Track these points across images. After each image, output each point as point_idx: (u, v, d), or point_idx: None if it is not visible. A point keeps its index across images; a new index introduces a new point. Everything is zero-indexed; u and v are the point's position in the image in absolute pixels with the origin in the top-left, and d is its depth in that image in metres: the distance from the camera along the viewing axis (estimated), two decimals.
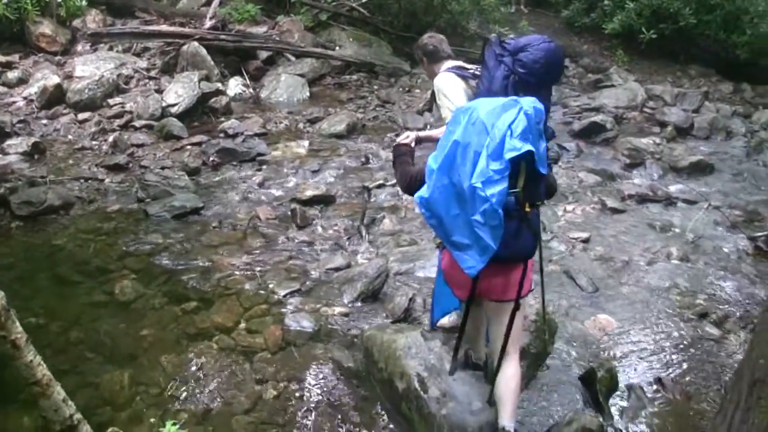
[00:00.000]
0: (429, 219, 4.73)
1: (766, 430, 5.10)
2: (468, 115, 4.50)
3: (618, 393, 6.21)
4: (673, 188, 11.63)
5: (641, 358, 6.81)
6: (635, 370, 6.63)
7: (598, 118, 14.71)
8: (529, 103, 4.47)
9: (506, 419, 5.07)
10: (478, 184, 4.25)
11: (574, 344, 6.85)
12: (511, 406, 5.10)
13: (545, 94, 5.29)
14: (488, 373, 5.48)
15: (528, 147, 4.30)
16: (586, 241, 9.29)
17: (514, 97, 4.58)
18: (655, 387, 6.41)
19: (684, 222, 10.10)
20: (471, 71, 6.00)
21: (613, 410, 6.01)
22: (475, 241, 4.41)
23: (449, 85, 5.94)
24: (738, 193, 11.79)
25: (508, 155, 4.26)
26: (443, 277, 5.38)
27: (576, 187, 11.42)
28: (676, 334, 7.23)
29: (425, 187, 4.69)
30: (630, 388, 6.31)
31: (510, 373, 5.09)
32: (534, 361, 6.30)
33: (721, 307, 7.85)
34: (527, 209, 4.66)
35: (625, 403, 6.15)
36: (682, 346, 7.05)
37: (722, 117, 16.32)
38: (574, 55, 21.76)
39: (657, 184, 11.71)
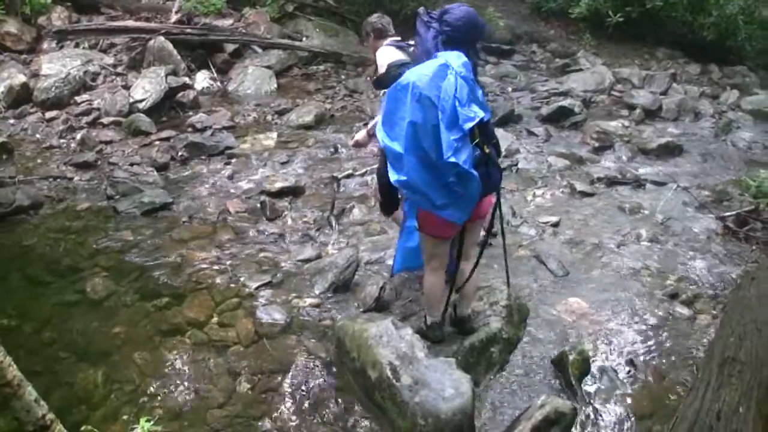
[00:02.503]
0: (412, 195, 5.45)
1: (736, 408, 5.16)
2: (409, 92, 5.04)
3: (590, 375, 6.25)
4: (642, 170, 11.71)
5: (613, 340, 6.84)
6: (607, 352, 6.66)
7: (566, 102, 14.75)
8: (456, 60, 5.15)
9: (468, 309, 6.36)
10: (451, 158, 4.90)
11: (546, 328, 6.90)
12: (472, 299, 6.41)
13: (472, 52, 5.89)
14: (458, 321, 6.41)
15: (480, 114, 5.06)
16: (555, 225, 9.32)
17: (442, 61, 5.17)
18: (627, 368, 6.45)
19: (653, 204, 10.17)
20: (408, 44, 6.68)
21: (586, 393, 6.04)
22: (456, 199, 5.19)
23: (388, 57, 6.61)
24: (707, 174, 11.90)
25: (467, 125, 4.99)
26: (423, 229, 5.86)
27: (545, 171, 11.46)
28: (647, 315, 7.27)
29: (397, 171, 5.26)
30: (602, 370, 6.35)
31: (468, 268, 6.04)
32: (505, 345, 6.35)
33: (691, 287, 7.91)
34: (487, 151, 5.30)
35: (597, 386, 6.19)
36: (653, 327, 7.09)
37: (690, 98, 16.44)
38: (542, 41, 21.81)
39: (626, 167, 11.79)
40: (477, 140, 5.18)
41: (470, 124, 4.98)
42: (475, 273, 6.10)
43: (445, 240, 5.87)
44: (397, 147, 5.18)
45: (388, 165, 5.42)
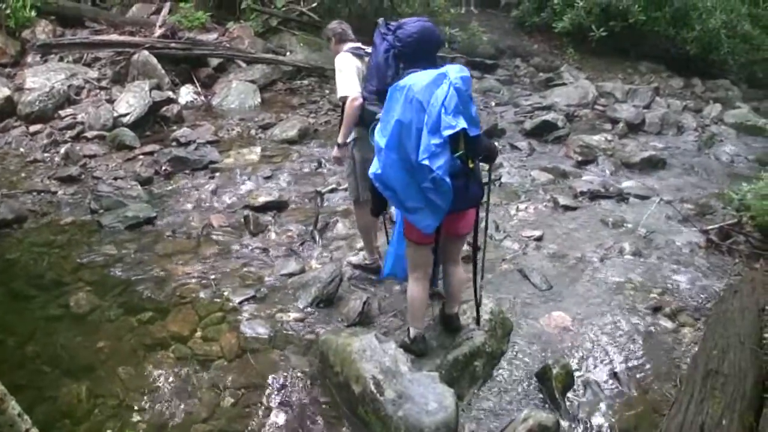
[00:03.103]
0: (384, 191, 5.52)
1: (720, 420, 5.18)
2: (404, 94, 5.25)
3: (574, 389, 6.24)
4: (626, 184, 11.75)
5: (596, 354, 6.84)
6: (591, 365, 6.66)
7: (549, 116, 14.90)
8: (457, 73, 5.23)
9: (455, 308, 6.49)
10: (426, 161, 5.05)
11: (529, 342, 6.90)
12: (459, 299, 6.51)
13: (427, 63, 5.97)
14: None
15: (462, 124, 5.09)
16: (539, 239, 9.33)
17: (443, 71, 5.30)
18: (610, 382, 6.44)
19: (636, 217, 10.19)
20: (366, 51, 7.14)
21: (569, 406, 6.03)
22: (428, 204, 5.30)
23: (343, 65, 7.08)
24: (690, 187, 11.97)
25: (446, 132, 5.06)
26: (405, 234, 6.04)
27: (528, 185, 11.51)
28: (630, 328, 7.27)
29: (376, 163, 5.48)
30: (586, 383, 6.34)
31: (461, 274, 6.35)
32: (489, 359, 6.35)
33: (674, 300, 7.91)
34: (471, 165, 5.46)
35: (581, 399, 6.17)
36: (637, 340, 7.10)
37: (673, 112, 16.61)
38: (525, 55, 21.97)
39: (609, 181, 11.84)
40: (460, 152, 5.28)
41: (449, 132, 5.07)
42: (461, 271, 6.34)
43: (424, 246, 5.92)
44: (382, 142, 5.36)
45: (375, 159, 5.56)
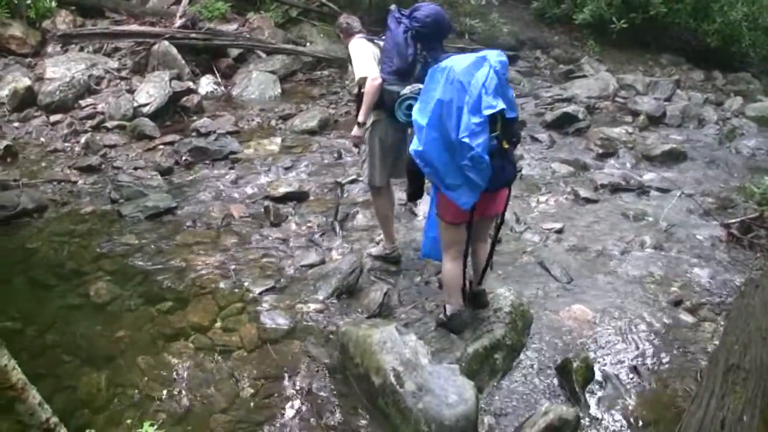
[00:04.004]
0: (424, 168, 5.74)
1: (741, 416, 5.14)
2: (445, 75, 5.45)
3: (594, 382, 6.22)
4: (646, 177, 11.70)
5: (617, 348, 6.82)
6: (611, 359, 6.63)
7: (570, 108, 14.82)
8: (495, 58, 5.47)
9: (483, 284, 6.66)
10: (466, 139, 5.25)
11: (550, 335, 6.87)
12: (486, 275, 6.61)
13: (438, 46, 7.05)
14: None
15: (501, 105, 5.33)
16: (559, 231, 9.30)
17: (482, 54, 5.54)
18: (631, 376, 6.42)
19: (657, 210, 10.14)
20: (376, 38, 7.51)
21: (590, 400, 6.02)
22: (466, 181, 5.48)
23: (359, 49, 7.34)
24: (711, 181, 11.89)
25: (486, 112, 5.27)
26: (439, 214, 6.17)
27: (549, 177, 11.47)
28: (651, 322, 7.24)
29: (416, 141, 5.70)
30: (606, 377, 6.33)
31: (487, 249, 6.48)
32: (509, 352, 6.34)
33: (695, 294, 7.88)
34: (506, 146, 5.67)
35: (601, 393, 6.16)
36: (657, 334, 7.06)
37: (694, 105, 16.48)
38: (545, 47, 21.87)
39: (630, 173, 11.77)
40: (497, 133, 5.51)
41: (490, 112, 5.28)
42: (488, 248, 6.51)
43: (458, 225, 6.00)
44: (423, 121, 5.58)
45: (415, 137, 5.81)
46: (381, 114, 7.21)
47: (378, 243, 8.41)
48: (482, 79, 5.31)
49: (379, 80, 6.96)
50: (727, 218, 9.84)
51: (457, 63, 5.48)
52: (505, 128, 5.56)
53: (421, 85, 6.02)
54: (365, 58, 7.22)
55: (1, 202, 9.18)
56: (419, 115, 5.66)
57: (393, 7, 7.17)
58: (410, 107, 6.46)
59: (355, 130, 7.45)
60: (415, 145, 5.70)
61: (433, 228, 6.63)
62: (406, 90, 6.70)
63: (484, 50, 5.68)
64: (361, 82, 7.11)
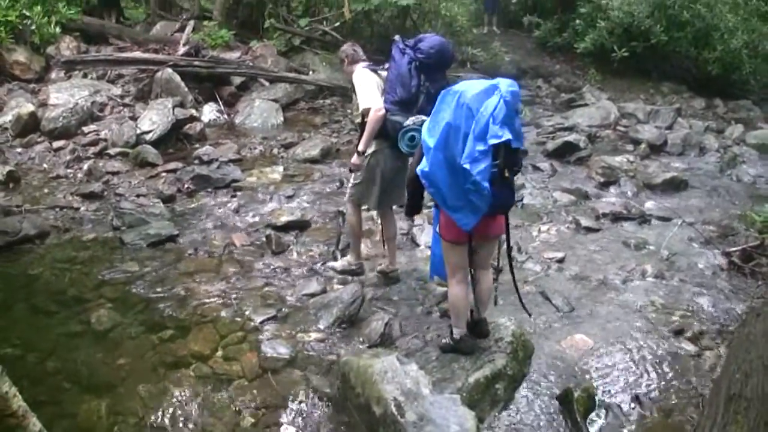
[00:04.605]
0: (429, 188, 5.86)
1: None
2: (456, 98, 5.55)
3: (595, 412, 6.20)
4: (648, 205, 11.72)
5: (618, 377, 6.80)
6: (612, 388, 6.61)
7: (571, 137, 14.88)
8: (507, 87, 5.49)
9: (484, 313, 6.56)
10: (466, 165, 5.36)
11: (551, 364, 6.86)
12: (488, 304, 6.56)
13: (440, 77, 7.21)
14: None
15: (507, 135, 5.35)
16: (561, 260, 9.30)
17: (494, 82, 5.58)
18: (632, 405, 6.40)
19: (658, 239, 10.15)
20: (379, 68, 7.65)
21: (591, 430, 6.01)
22: (467, 203, 5.58)
23: (362, 79, 7.51)
24: (712, 209, 11.89)
25: (491, 141, 5.33)
26: (439, 231, 6.33)
27: (550, 207, 11.50)
28: (652, 351, 7.23)
29: (424, 161, 5.78)
30: (607, 406, 6.31)
31: (491, 281, 6.45)
32: (510, 382, 6.33)
33: (697, 323, 7.86)
34: (506, 175, 5.62)
35: (602, 422, 6.14)
36: (659, 363, 7.05)
37: (695, 133, 16.53)
38: (547, 75, 21.98)
39: (631, 202, 11.79)
40: (499, 161, 5.49)
41: (495, 141, 5.34)
42: (490, 278, 6.48)
43: (459, 246, 6.07)
44: (431, 142, 5.66)
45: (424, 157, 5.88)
46: (382, 143, 7.34)
47: (374, 269, 8.51)
48: (491, 107, 5.37)
49: (383, 111, 7.08)
50: (729, 246, 9.84)
51: (469, 88, 5.56)
52: (507, 157, 5.56)
53: (424, 117, 6.23)
54: (369, 89, 7.33)
55: (3, 227, 9.19)
56: (428, 135, 5.75)
57: (397, 37, 7.34)
58: (413, 138, 6.64)
59: (355, 158, 7.59)
60: (422, 166, 5.78)
61: (437, 245, 6.83)
62: (409, 121, 6.83)
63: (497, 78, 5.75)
64: (365, 112, 7.19)
